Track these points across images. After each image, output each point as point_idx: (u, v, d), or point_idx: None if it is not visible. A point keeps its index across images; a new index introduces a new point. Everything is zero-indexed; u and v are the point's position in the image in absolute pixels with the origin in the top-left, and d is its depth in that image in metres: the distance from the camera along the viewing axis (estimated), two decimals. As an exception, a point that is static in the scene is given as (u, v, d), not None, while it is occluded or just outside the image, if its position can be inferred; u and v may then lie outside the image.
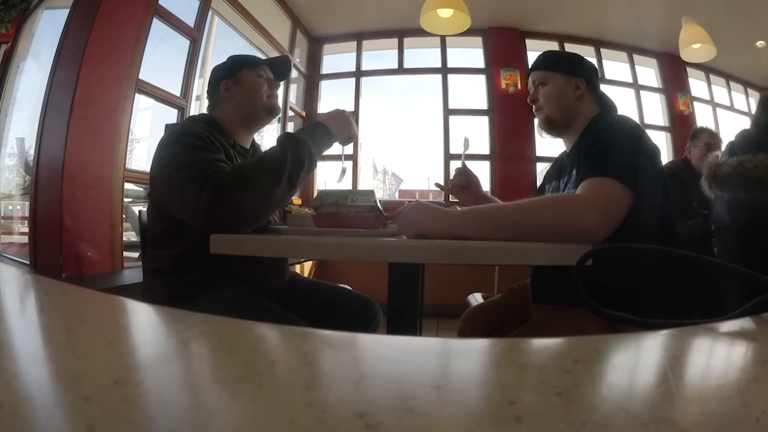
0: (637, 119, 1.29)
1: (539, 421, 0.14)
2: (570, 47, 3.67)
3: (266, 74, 1.11)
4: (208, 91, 1.12)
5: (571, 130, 1.01)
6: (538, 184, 1.25)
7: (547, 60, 1.06)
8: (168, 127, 1.11)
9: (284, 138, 0.91)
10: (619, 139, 0.86)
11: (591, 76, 1.03)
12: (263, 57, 1.15)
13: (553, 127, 1.03)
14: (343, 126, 1.00)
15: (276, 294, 1.06)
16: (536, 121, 1.06)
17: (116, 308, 0.30)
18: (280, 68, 1.16)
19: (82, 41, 1.76)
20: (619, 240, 0.74)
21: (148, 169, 1.13)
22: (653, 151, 0.89)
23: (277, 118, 1.13)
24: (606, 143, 0.85)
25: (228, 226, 0.80)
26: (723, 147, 1.97)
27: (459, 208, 0.82)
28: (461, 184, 1.21)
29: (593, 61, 3.66)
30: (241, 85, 1.07)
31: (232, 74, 1.08)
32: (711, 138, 2.33)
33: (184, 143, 0.89)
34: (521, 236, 0.73)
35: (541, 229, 0.73)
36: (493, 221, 0.76)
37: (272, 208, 0.88)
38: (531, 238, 0.72)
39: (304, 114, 3.74)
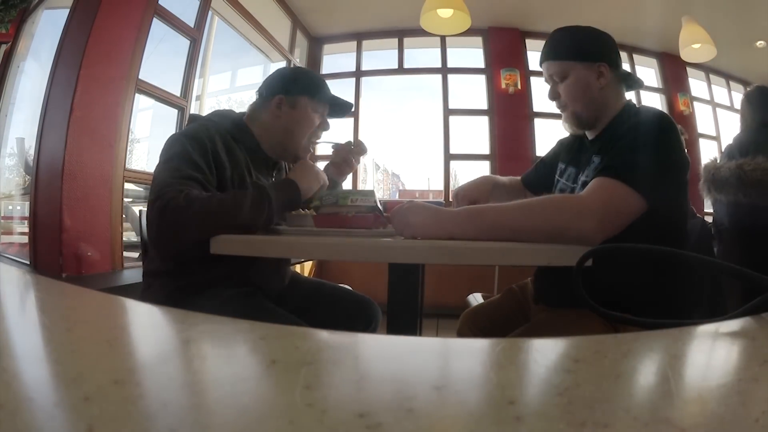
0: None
1: (539, 421, 0.14)
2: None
3: (323, 113, 1.05)
4: (259, 91, 1.06)
5: (600, 122, 0.93)
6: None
7: (561, 46, 0.93)
8: (191, 119, 1.06)
9: (255, 187, 0.89)
10: (646, 141, 0.79)
11: (612, 54, 0.92)
12: (310, 80, 1.05)
13: (582, 124, 0.94)
14: (311, 181, 0.97)
15: (276, 294, 1.06)
16: (562, 117, 0.96)
17: (116, 308, 0.30)
18: (339, 109, 1.09)
19: (82, 41, 1.76)
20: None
21: (147, 169, 1.12)
22: (681, 163, 0.82)
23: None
24: (632, 142, 0.79)
25: (161, 245, 0.81)
26: (684, 135, 1.97)
27: (456, 209, 0.80)
28: None
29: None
30: (294, 110, 1.01)
31: (292, 93, 1.01)
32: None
33: (180, 144, 0.89)
34: (519, 238, 0.72)
35: (539, 231, 0.72)
36: (490, 223, 0.74)
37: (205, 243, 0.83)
38: (529, 240, 0.72)
39: (304, 114, 3.73)
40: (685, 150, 0.85)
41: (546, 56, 0.94)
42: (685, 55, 2.94)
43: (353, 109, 3.69)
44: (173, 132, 1.66)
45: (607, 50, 0.92)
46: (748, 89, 1.66)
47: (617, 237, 0.74)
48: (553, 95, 0.95)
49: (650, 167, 0.76)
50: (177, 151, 0.88)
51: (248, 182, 0.96)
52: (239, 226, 0.81)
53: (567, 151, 1.06)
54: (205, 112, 1.21)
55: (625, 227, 0.75)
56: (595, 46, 0.92)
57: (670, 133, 0.82)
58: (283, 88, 1.02)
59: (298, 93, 1.01)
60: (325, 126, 1.07)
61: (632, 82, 0.97)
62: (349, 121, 3.72)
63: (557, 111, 1.02)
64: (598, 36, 0.94)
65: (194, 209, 0.79)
